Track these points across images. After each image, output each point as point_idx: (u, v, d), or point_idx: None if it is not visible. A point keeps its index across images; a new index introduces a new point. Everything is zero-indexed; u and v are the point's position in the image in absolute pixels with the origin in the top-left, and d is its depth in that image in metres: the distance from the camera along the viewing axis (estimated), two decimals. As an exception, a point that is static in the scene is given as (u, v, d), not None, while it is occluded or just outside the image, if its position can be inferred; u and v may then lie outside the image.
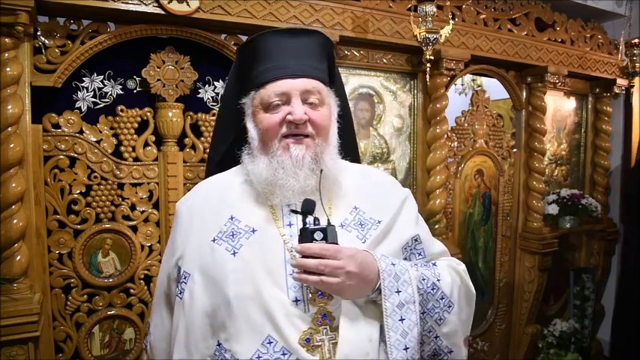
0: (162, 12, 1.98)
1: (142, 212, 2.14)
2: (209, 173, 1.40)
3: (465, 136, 3.06)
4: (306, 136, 1.18)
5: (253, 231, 1.17)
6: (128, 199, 2.11)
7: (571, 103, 3.71)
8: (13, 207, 1.76)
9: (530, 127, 3.28)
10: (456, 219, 3.05)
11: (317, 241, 1.08)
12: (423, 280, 1.17)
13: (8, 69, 1.73)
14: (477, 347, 3.29)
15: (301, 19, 2.28)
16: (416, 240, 1.28)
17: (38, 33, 1.91)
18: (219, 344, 1.09)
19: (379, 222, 1.23)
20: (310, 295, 1.11)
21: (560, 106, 3.60)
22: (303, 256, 1.07)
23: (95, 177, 2.05)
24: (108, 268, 2.10)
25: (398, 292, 1.12)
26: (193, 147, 2.24)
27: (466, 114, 3.08)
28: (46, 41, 1.93)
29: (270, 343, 1.06)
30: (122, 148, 2.11)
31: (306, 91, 1.18)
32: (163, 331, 1.26)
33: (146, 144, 2.15)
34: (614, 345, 3.42)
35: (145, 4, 1.96)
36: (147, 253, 2.16)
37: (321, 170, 1.18)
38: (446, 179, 2.84)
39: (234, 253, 1.13)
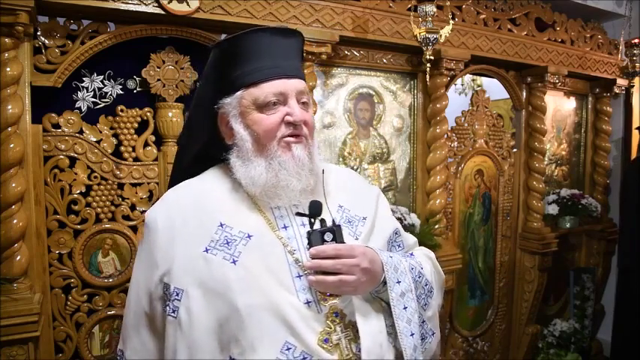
0: (162, 12, 1.98)
1: (142, 212, 2.14)
2: (175, 179, 1.31)
3: (465, 136, 3.06)
4: (302, 136, 1.17)
5: (249, 236, 1.12)
6: (128, 199, 2.11)
7: (571, 103, 3.71)
8: (13, 207, 1.76)
9: (530, 127, 3.28)
10: (456, 219, 3.05)
11: (327, 242, 1.08)
12: (412, 269, 1.22)
13: (8, 69, 1.73)
14: (477, 347, 3.29)
15: (301, 19, 2.28)
16: (396, 233, 1.34)
17: (38, 33, 1.91)
18: (231, 359, 1.05)
19: (364, 218, 1.27)
20: (320, 295, 1.10)
21: (560, 106, 3.61)
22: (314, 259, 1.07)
23: (95, 177, 2.05)
24: (108, 268, 2.10)
25: (398, 282, 1.15)
26: (193, 147, 2.24)
27: (466, 114, 3.08)
28: (46, 41, 1.93)
29: (288, 349, 1.04)
30: (122, 148, 2.11)
31: (299, 92, 1.18)
32: (145, 355, 1.18)
33: (146, 144, 2.15)
34: (615, 345, 3.42)
35: (144, 4, 1.96)
36: (147, 253, 2.16)
37: (323, 171, 1.19)
38: (446, 179, 2.84)
39: (233, 262, 1.09)
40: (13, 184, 1.75)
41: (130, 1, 1.93)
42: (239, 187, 1.19)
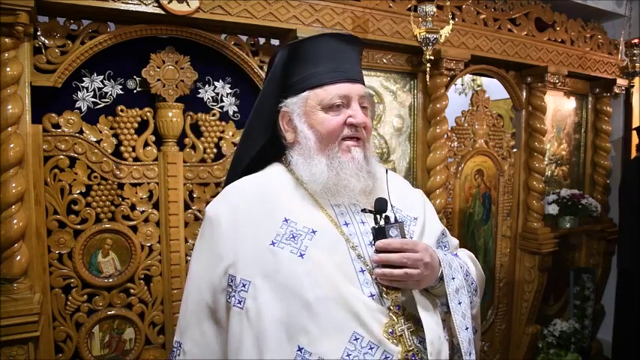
0: (162, 12, 1.98)
1: (142, 212, 2.14)
2: (235, 175, 1.36)
3: (465, 136, 3.06)
4: (360, 139, 1.25)
5: (313, 232, 1.16)
6: (128, 199, 2.11)
7: (571, 103, 3.71)
8: (13, 207, 1.76)
9: (530, 127, 3.28)
10: (455, 219, 3.05)
11: (392, 237, 1.14)
12: (461, 267, 1.28)
13: (8, 69, 1.73)
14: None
15: (301, 19, 2.28)
16: (443, 234, 1.41)
17: (38, 33, 1.91)
18: (300, 349, 1.07)
19: (415, 219, 1.33)
20: (384, 289, 1.15)
21: (560, 106, 3.61)
22: (379, 253, 1.13)
23: (95, 177, 2.05)
24: (108, 268, 2.10)
25: (453, 278, 1.22)
26: (193, 147, 2.24)
27: (466, 114, 3.08)
28: (46, 41, 1.93)
29: (356, 339, 1.07)
30: (122, 148, 2.11)
31: (361, 96, 1.25)
32: (206, 348, 1.21)
33: (146, 144, 2.15)
34: (616, 346, 3.42)
35: (144, 4, 1.96)
36: (147, 253, 2.16)
37: (387, 170, 1.27)
38: (446, 179, 2.84)
39: (301, 255, 1.13)
40: (13, 185, 1.75)
41: (130, 1, 1.93)
42: (299, 184, 1.25)
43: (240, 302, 1.12)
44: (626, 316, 3.28)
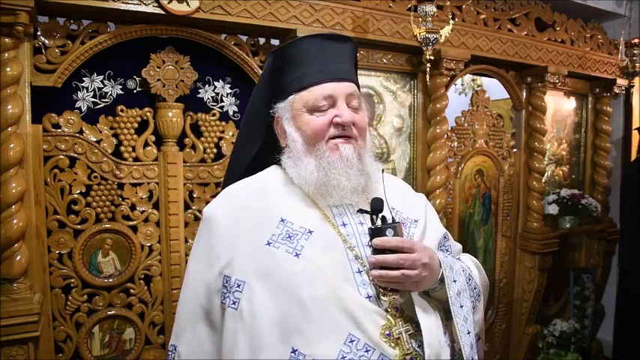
0: (162, 12, 1.98)
1: (142, 212, 2.14)
2: (232, 179, 1.34)
3: (465, 136, 3.06)
4: (351, 137, 1.21)
5: (310, 232, 1.15)
6: (128, 199, 2.11)
7: (571, 103, 3.71)
8: (13, 207, 1.76)
9: (530, 127, 3.28)
10: (455, 219, 3.05)
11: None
12: (463, 271, 1.25)
13: (8, 69, 1.73)
14: (477, 347, 3.28)
15: (301, 19, 2.28)
16: (445, 237, 1.38)
17: (38, 33, 1.91)
18: (294, 351, 1.04)
19: (416, 221, 1.31)
20: (382, 290, 1.12)
21: (560, 106, 3.60)
22: (376, 254, 1.11)
23: (95, 177, 2.05)
24: (108, 268, 2.10)
25: (455, 281, 1.19)
26: (193, 147, 2.24)
27: (466, 114, 3.08)
28: (46, 41, 1.93)
29: (352, 341, 1.05)
30: (122, 148, 2.11)
31: (349, 95, 1.22)
32: (200, 349, 1.19)
33: (146, 144, 2.15)
34: (617, 346, 3.42)
35: (144, 4, 1.96)
36: (147, 253, 2.16)
37: (382, 170, 1.25)
38: (446, 179, 2.84)
39: (296, 255, 1.11)
40: (13, 184, 1.75)
41: (130, 1, 1.93)
42: (295, 186, 1.23)
43: (234, 303, 1.11)
44: (626, 316, 3.28)
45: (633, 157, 3.64)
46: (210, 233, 1.20)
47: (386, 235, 1.11)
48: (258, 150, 1.34)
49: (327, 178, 1.17)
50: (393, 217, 1.16)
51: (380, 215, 1.15)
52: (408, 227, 1.28)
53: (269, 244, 1.13)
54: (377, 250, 1.12)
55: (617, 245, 3.81)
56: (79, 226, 2.03)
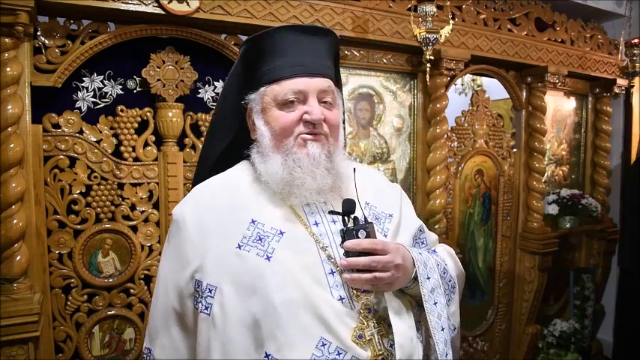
0: (162, 12, 1.98)
1: (142, 212, 2.14)
2: (202, 175, 1.31)
3: (465, 136, 3.06)
4: (321, 134, 1.17)
5: (281, 233, 1.12)
6: (128, 199, 2.11)
7: (571, 103, 3.71)
8: (13, 207, 1.76)
9: (530, 127, 3.28)
10: (456, 219, 3.05)
11: (361, 239, 1.09)
12: (438, 265, 1.24)
13: (8, 69, 1.73)
14: (477, 347, 3.29)
15: (301, 19, 2.28)
16: (420, 230, 1.37)
17: (38, 33, 1.91)
18: (267, 355, 1.03)
19: (391, 215, 1.28)
20: (355, 292, 1.11)
21: (560, 106, 3.61)
22: (348, 256, 1.08)
23: (95, 177, 2.05)
24: (108, 268, 2.10)
25: (428, 278, 1.18)
26: (193, 147, 2.24)
27: (466, 114, 3.08)
28: (46, 41, 1.93)
29: (324, 345, 1.04)
30: (122, 148, 2.11)
31: (322, 91, 1.17)
32: (175, 354, 1.18)
33: (146, 144, 2.15)
34: (617, 346, 3.42)
35: (144, 4, 1.96)
36: (147, 253, 2.16)
37: (354, 169, 1.20)
38: (446, 179, 2.84)
39: (267, 258, 1.08)
40: (13, 184, 1.75)
41: (130, 1, 1.93)
42: (264, 183, 1.19)
43: (207, 308, 1.09)
44: (626, 316, 3.28)
45: (633, 157, 3.64)
46: (179, 236, 1.17)
47: (358, 237, 1.08)
48: (231, 141, 1.29)
49: (291, 177, 1.13)
50: (365, 218, 1.12)
51: (352, 216, 1.12)
52: (383, 222, 1.26)
53: (240, 247, 1.10)
54: (349, 253, 1.09)
55: (617, 245, 3.81)
56: (79, 226, 2.03)
